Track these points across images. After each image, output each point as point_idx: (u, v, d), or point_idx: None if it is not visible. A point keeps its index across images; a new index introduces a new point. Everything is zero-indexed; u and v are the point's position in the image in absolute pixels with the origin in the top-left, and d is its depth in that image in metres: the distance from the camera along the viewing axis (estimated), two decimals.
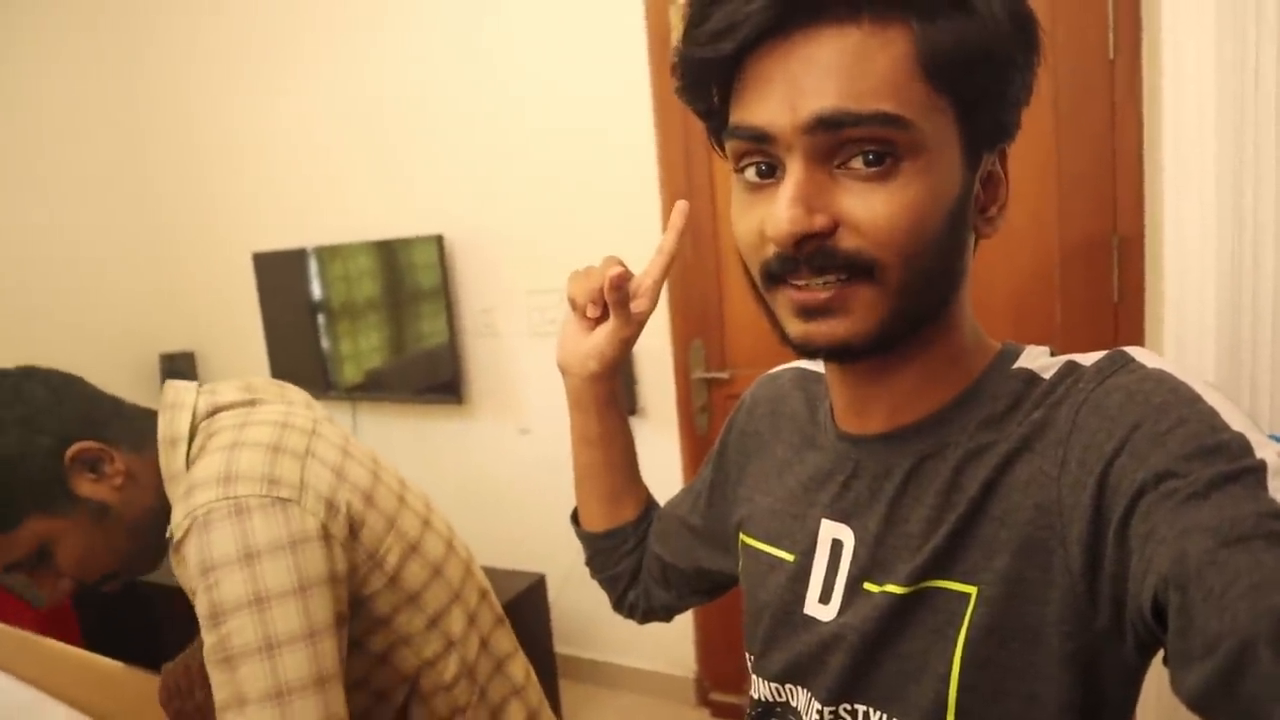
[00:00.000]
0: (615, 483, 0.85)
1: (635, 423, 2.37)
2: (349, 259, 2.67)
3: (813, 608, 0.61)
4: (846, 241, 0.49)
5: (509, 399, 2.61)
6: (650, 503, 0.88)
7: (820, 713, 0.59)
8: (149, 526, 0.92)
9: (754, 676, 0.67)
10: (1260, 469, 0.41)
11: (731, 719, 2.40)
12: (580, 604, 2.50)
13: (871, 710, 0.57)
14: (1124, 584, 0.45)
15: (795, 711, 0.62)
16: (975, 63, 0.48)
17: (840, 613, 0.59)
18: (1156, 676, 0.41)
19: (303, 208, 2.86)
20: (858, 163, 0.49)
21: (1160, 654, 0.45)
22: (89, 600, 2.39)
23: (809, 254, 0.50)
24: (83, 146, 2.98)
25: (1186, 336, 1.30)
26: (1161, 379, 0.48)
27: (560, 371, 0.80)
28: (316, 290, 2.75)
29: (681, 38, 0.53)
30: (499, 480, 2.67)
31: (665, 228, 0.74)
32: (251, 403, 0.95)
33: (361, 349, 2.74)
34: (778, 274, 0.52)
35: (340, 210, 2.77)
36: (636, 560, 0.87)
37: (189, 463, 0.88)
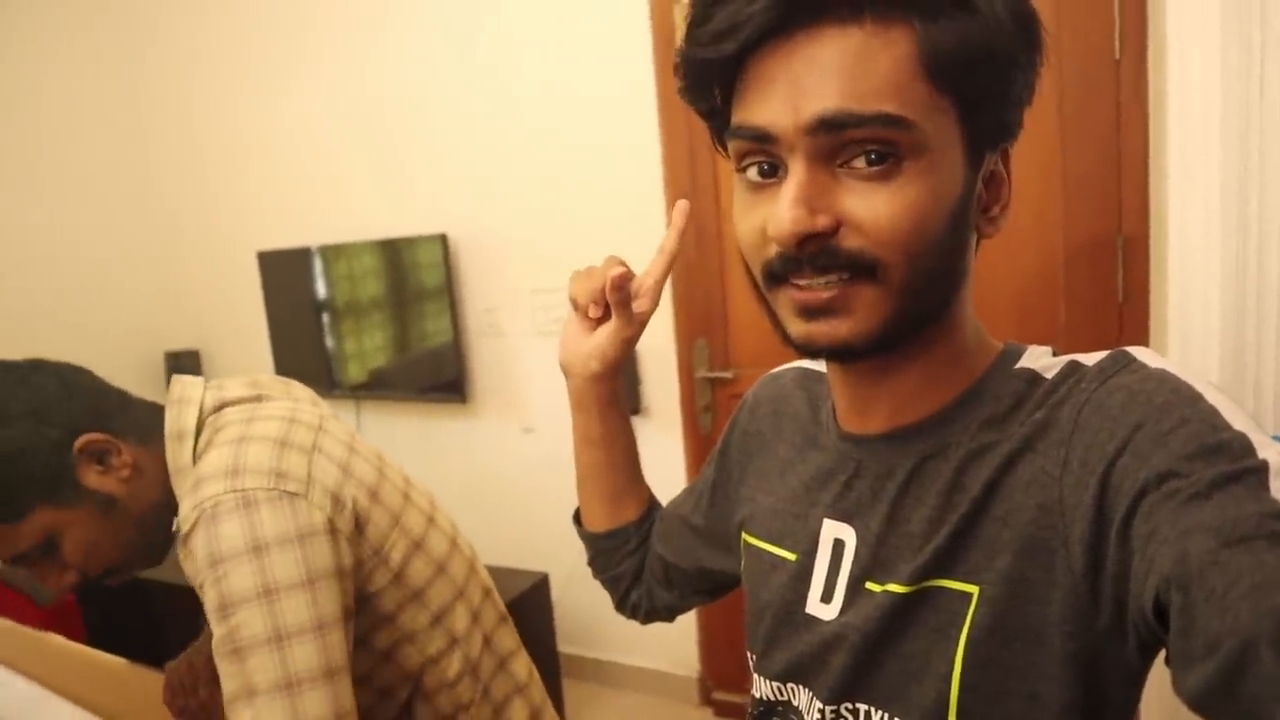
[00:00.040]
0: (617, 483, 0.85)
1: (638, 422, 2.37)
2: (353, 258, 2.68)
3: (814, 607, 0.61)
4: (849, 241, 0.49)
5: (513, 398, 2.61)
6: (652, 503, 0.88)
7: (822, 712, 0.59)
8: (155, 520, 0.92)
9: (755, 676, 0.67)
10: (1262, 469, 0.41)
11: (734, 718, 2.40)
12: (583, 603, 2.50)
13: (873, 710, 0.57)
14: (1126, 584, 0.45)
15: (797, 711, 0.62)
16: (977, 62, 0.48)
17: (842, 612, 0.59)
18: (1159, 677, 0.41)
19: (307, 207, 2.86)
20: (860, 163, 0.49)
21: (1162, 655, 0.45)
22: (93, 598, 2.40)
23: (811, 254, 0.50)
24: (88, 146, 2.99)
25: (1191, 337, 1.30)
26: (1163, 379, 0.48)
27: (562, 372, 0.80)
28: (321, 289, 2.76)
29: (683, 38, 0.53)
30: (503, 479, 2.67)
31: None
32: (258, 399, 0.95)
33: (366, 348, 2.75)
34: (780, 274, 0.52)
35: (345, 209, 2.77)
36: (639, 561, 0.87)
37: (196, 457, 0.88)
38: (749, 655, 0.69)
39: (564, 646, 2.49)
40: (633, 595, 0.88)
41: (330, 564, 0.82)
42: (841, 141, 0.48)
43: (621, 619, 0.92)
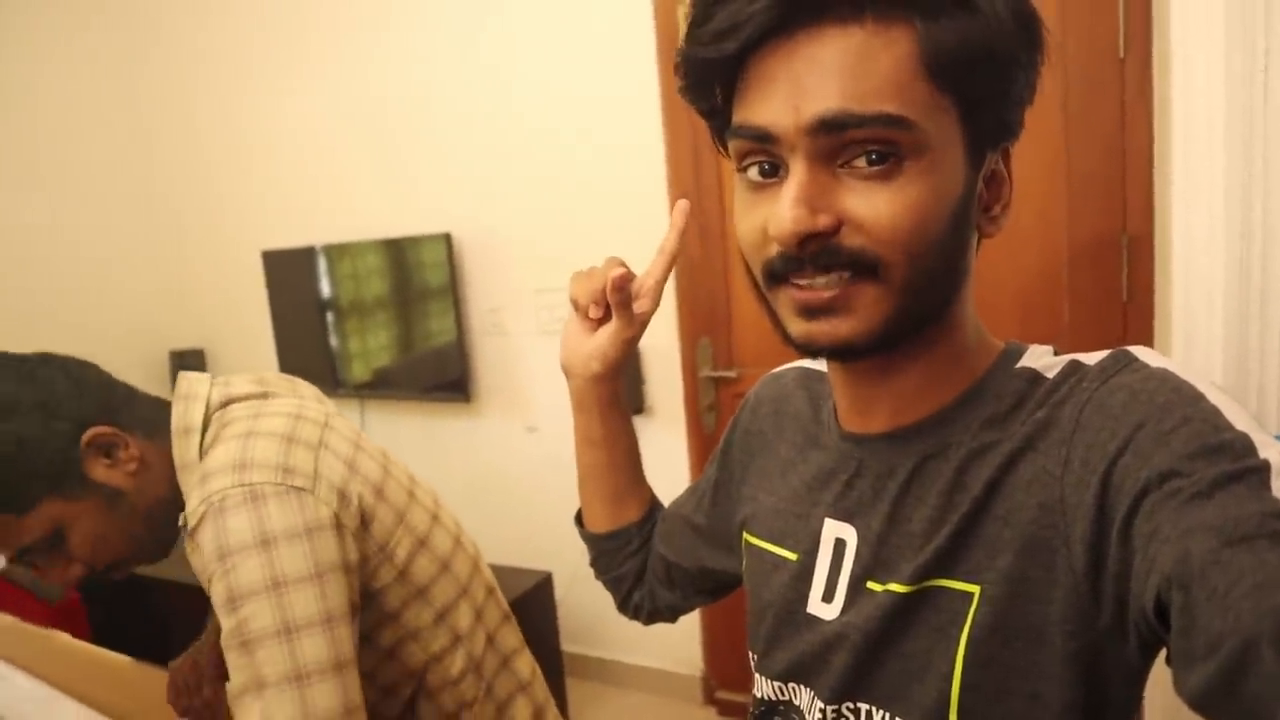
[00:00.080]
0: (619, 484, 0.85)
1: (643, 421, 2.37)
2: (358, 257, 2.68)
3: (816, 607, 0.61)
4: (850, 240, 0.49)
5: (517, 397, 2.61)
6: (654, 504, 0.88)
7: (823, 711, 0.59)
8: (160, 514, 0.92)
9: (757, 675, 0.67)
10: (1264, 469, 0.41)
11: (738, 717, 2.40)
12: (587, 602, 2.51)
13: (874, 709, 0.57)
14: (1127, 583, 0.45)
15: (798, 710, 0.62)
16: (978, 62, 0.48)
17: (843, 612, 0.59)
18: (1163, 678, 0.41)
19: (312, 206, 2.87)
20: (861, 162, 0.49)
21: (1163, 654, 0.45)
22: (98, 596, 2.41)
23: (813, 253, 0.50)
24: (93, 146, 3.00)
25: (1195, 337, 1.29)
26: (1165, 378, 0.47)
27: (563, 373, 0.80)
28: (325, 288, 2.76)
29: (685, 37, 0.53)
30: (506, 478, 2.67)
31: None
32: (264, 395, 0.95)
33: (370, 347, 2.75)
34: (780, 273, 0.52)
35: (349, 209, 2.78)
36: (641, 561, 0.87)
37: (202, 453, 0.89)
38: (750, 655, 0.69)
39: (567, 645, 2.49)
40: (635, 596, 0.88)
41: (337, 558, 0.82)
42: (842, 142, 0.48)
43: (625, 618, 0.92)
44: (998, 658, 0.51)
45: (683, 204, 0.72)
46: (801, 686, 0.62)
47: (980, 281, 0.57)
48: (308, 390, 1.04)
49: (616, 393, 0.81)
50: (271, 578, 0.77)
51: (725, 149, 0.56)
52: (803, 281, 0.51)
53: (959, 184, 0.51)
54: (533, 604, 2.20)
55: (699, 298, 2.28)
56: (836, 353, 0.54)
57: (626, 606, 0.90)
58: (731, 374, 2.27)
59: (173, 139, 3.12)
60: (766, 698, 0.66)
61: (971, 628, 0.51)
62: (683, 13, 2.12)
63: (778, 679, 0.64)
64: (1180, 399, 0.46)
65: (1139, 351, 0.51)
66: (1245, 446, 0.42)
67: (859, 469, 0.60)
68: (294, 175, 2.89)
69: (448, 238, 2.48)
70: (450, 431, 2.76)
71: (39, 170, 2.85)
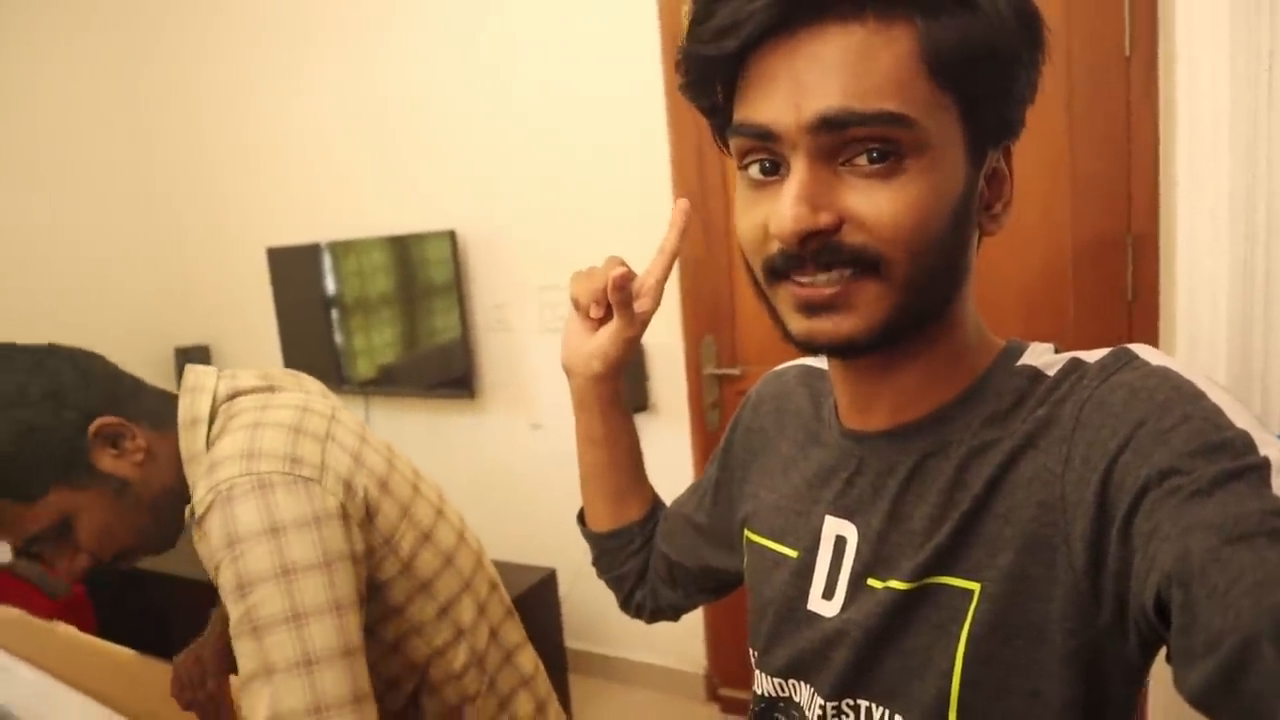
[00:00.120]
0: (620, 483, 0.85)
1: (646, 418, 2.37)
2: (362, 254, 2.69)
3: (816, 604, 0.61)
4: (852, 237, 0.49)
5: (521, 394, 2.62)
6: (656, 503, 0.88)
7: (823, 708, 0.59)
8: (167, 505, 0.93)
9: (757, 672, 0.67)
10: (1264, 466, 0.41)
11: (741, 714, 2.40)
12: (591, 599, 2.51)
13: (874, 706, 0.57)
14: (1127, 581, 0.45)
15: (798, 707, 0.63)
16: (980, 60, 0.48)
17: (843, 609, 0.59)
18: (1164, 678, 0.41)
19: (316, 203, 2.87)
20: (862, 160, 0.49)
21: (1163, 652, 0.45)
22: (103, 590, 2.42)
23: (814, 250, 0.50)
24: (97, 145, 3.01)
25: (1199, 336, 1.29)
26: (1165, 376, 0.47)
27: (564, 372, 0.81)
28: (330, 285, 2.77)
29: (686, 34, 0.53)
30: (510, 475, 2.68)
31: None
32: (270, 389, 0.96)
33: (374, 344, 2.76)
34: (781, 270, 0.52)
35: (354, 206, 2.78)
36: (643, 560, 0.87)
37: (209, 444, 0.89)
38: (751, 652, 0.69)
39: (571, 642, 2.50)
40: (637, 595, 0.89)
41: (344, 548, 0.82)
42: (843, 140, 0.48)
43: (628, 615, 0.92)
44: (998, 655, 0.51)
45: (683, 203, 0.72)
46: (802, 683, 0.62)
47: (985, 280, 0.57)
48: (313, 385, 1.04)
49: (618, 392, 0.81)
50: (280, 565, 0.77)
51: (726, 147, 0.56)
52: (804, 279, 0.51)
53: (960, 182, 0.51)
54: (536, 600, 2.21)
55: (703, 295, 2.28)
56: (837, 350, 0.54)
57: (629, 605, 0.90)
58: (735, 372, 2.27)
59: (177, 138, 3.13)
60: (767, 694, 0.66)
61: (972, 625, 0.51)
62: (686, 10, 2.11)
63: (778, 675, 0.64)
64: (1181, 397, 0.46)
65: (1139, 349, 0.51)
66: (1246, 444, 0.42)
67: (860, 466, 0.60)
68: (299, 173, 2.89)
69: (452, 235, 2.49)
70: (455, 428, 2.77)
71: (42, 170, 2.86)
